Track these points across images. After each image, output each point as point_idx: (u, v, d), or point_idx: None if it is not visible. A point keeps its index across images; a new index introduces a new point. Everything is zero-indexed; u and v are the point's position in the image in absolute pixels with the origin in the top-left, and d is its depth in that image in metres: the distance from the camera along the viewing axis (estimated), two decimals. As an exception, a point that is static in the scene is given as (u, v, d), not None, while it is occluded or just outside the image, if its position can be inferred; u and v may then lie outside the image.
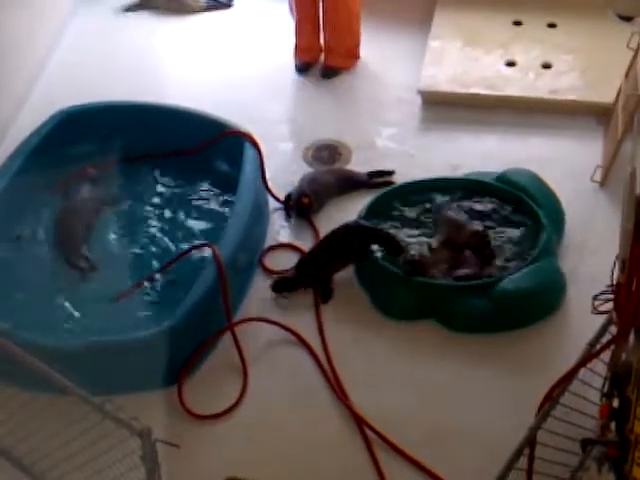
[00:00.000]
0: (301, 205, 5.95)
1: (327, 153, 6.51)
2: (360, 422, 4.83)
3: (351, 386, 5.02)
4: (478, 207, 5.82)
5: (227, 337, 5.24)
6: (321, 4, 6.94)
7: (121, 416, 3.84)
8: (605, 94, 6.46)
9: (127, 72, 7.18)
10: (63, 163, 6.04)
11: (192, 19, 7.75)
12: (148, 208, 6.00)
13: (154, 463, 3.88)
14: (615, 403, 3.81)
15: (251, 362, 5.16)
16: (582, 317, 4.77)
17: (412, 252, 5.50)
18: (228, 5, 7.84)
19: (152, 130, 6.19)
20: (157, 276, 5.54)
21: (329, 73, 7.08)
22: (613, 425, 3.79)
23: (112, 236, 5.85)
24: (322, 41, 7.11)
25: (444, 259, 5.48)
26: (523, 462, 4.04)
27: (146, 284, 5.50)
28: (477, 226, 5.60)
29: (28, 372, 4.14)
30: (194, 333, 5.12)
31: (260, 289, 5.54)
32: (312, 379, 5.09)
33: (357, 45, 7.10)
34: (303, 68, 7.14)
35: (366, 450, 4.73)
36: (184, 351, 5.09)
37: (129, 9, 7.84)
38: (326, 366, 5.12)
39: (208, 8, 7.80)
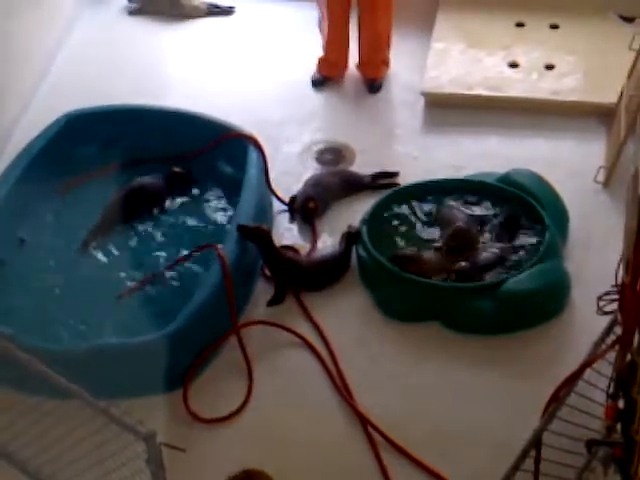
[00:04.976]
0: (307, 209, 5.95)
1: (331, 155, 6.51)
2: (365, 423, 4.83)
3: (355, 387, 5.02)
4: (481, 208, 5.83)
5: (231, 340, 5.24)
6: (358, 19, 6.86)
7: (126, 420, 3.84)
8: (607, 95, 6.46)
9: (131, 76, 7.20)
10: (68, 166, 6.06)
11: (195, 24, 7.77)
12: (153, 210, 6.01)
13: (159, 467, 3.88)
14: (621, 404, 3.80)
15: (256, 365, 5.16)
16: (587, 318, 4.77)
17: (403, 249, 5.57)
18: (230, 11, 7.85)
19: (156, 133, 6.20)
20: (161, 277, 5.54)
21: (375, 86, 6.99)
22: (619, 426, 3.78)
23: (117, 236, 5.86)
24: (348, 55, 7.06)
25: (448, 259, 5.48)
26: (529, 463, 4.04)
27: (150, 285, 5.50)
28: (461, 224, 5.59)
29: (33, 377, 4.15)
30: (199, 336, 5.11)
31: (264, 292, 5.55)
32: (317, 381, 5.10)
33: (389, 53, 7.07)
34: (321, 82, 7.07)
35: (371, 451, 4.74)
36: (189, 354, 5.09)
37: (132, 13, 7.86)
38: (331, 368, 5.12)
39: (210, 13, 7.82)
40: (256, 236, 5.44)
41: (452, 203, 5.86)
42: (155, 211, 6.00)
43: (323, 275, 5.58)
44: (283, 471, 4.50)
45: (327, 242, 5.82)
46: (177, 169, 6.10)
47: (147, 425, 3.83)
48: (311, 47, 7.09)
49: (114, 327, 5.24)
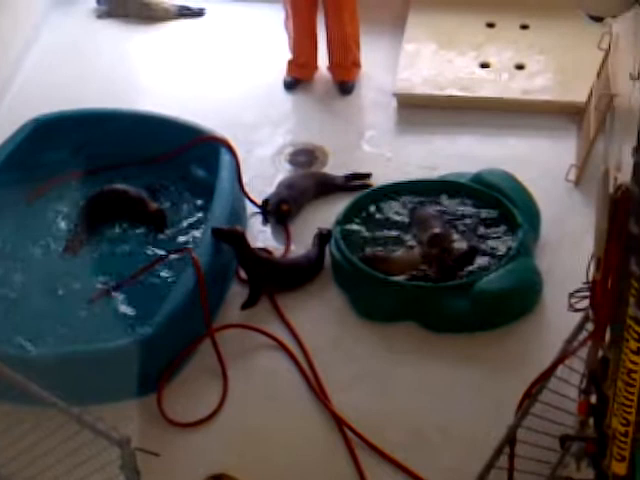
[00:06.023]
0: (280, 212, 5.95)
1: (304, 157, 6.51)
2: (340, 424, 4.83)
3: (331, 389, 5.02)
4: (454, 208, 5.85)
5: (206, 343, 5.23)
6: (325, 21, 6.86)
7: (99, 426, 3.80)
8: (578, 94, 6.49)
9: (100, 79, 7.17)
10: (36, 172, 6.02)
11: (164, 27, 7.75)
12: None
13: (134, 472, 3.85)
14: (593, 399, 3.82)
15: (231, 368, 5.15)
16: (559, 315, 4.78)
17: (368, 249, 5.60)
18: (200, 13, 7.84)
19: (127, 137, 6.18)
20: (134, 280, 5.53)
21: (347, 88, 6.99)
22: (591, 421, 3.80)
23: (91, 240, 5.84)
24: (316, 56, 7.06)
25: (419, 259, 5.49)
26: (504, 460, 4.06)
27: (123, 289, 5.48)
28: (438, 228, 5.60)
29: (4, 384, 4.11)
30: (173, 340, 5.10)
31: (238, 295, 5.54)
32: (292, 383, 5.10)
33: (360, 54, 7.07)
34: (293, 84, 7.07)
35: (347, 452, 4.74)
36: (163, 358, 5.08)
37: (101, 16, 7.82)
38: (306, 369, 5.12)
39: (180, 15, 7.80)
40: (231, 238, 5.45)
41: (426, 203, 5.87)
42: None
43: (299, 275, 5.59)
44: (259, 473, 4.51)
45: (300, 244, 5.82)
46: (156, 206, 5.92)
47: (121, 430, 3.79)
48: (283, 48, 7.08)
49: (87, 331, 5.21)
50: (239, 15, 7.81)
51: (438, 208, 5.83)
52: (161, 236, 5.83)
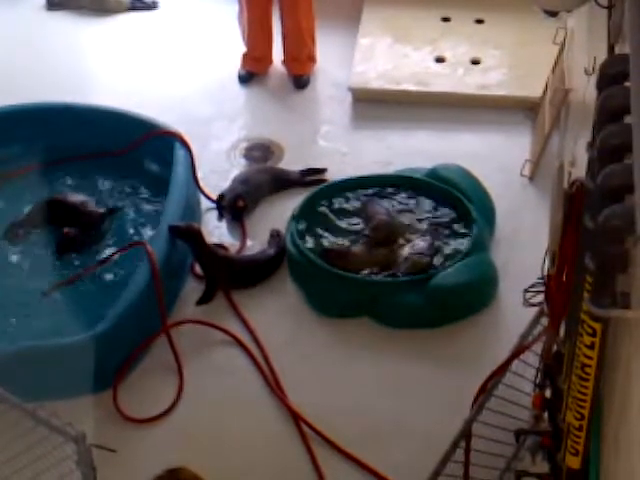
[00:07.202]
0: (236, 208, 5.92)
1: (259, 152, 6.49)
2: (297, 419, 4.83)
3: (288, 385, 5.02)
4: (409, 203, 5.86)
5: (162, 339, 5.20)
6: (280, 14, 6.84)
7: (55, 422, 3.78)
8: (533, 89, 6.53)
9: (51, 72, 7.09)
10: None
11: (117, 19, 7.70)
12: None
13: (90, 468, 3.83)
14: (547, 393, 3.85)
15: (186, 364, 5.13)
16: (514, 310, 4.82)
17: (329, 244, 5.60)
18: (153, 6, 7.78)
19: (81, 131, 6.12)
20: (89, 274, 5.49)
21: (302, 82, 6.98)
22: (546, 415, 3.83)
23: (43, 233, 5.79)
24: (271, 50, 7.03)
25: (375, 253, 5.50)
26: (459, 454, 4.08)
27: (77, 283, 5.44)
28: (383, 217, 5.61)
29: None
30: (128, 335, 5.07)
31: (193, 290, 5.51)
32: (248, 379, 5.09)
33: (315, 48, 7.06)
34: (247, 78, 7.04)
35: (304, 448, 4.74)
36: (118, 354, 5.04)
37: (52, 8, 7.73)
38: (263, 365, 5.11)
39: (133, 8, 7.74)
40: (188, 235, 5.42)
41: (377, 198, 5.88)
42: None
43: (256, 272, 5.57)
44: (216, 468, 4.49)
45: (256, 239, 5.80)
46: (68, 230, 5.70)
47: (77, 426, 3.77)
48: (237, 42, 7.05)
49: (41, 325, 5.18)
50: (193, 8, 7.78)
51: (392, 203, 5.84)
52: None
